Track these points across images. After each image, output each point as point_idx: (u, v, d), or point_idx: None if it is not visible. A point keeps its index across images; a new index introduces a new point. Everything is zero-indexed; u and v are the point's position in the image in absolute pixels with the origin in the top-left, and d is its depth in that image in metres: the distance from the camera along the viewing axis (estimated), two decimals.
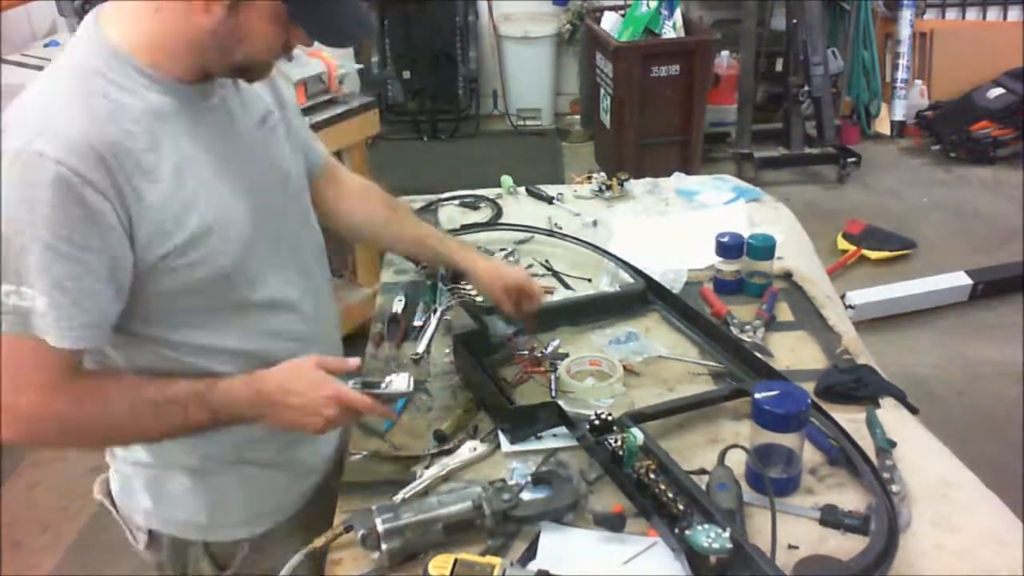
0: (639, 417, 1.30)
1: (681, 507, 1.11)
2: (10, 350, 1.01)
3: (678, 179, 2.25)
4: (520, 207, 2.13)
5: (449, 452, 1.30)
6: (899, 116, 5.20)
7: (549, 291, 1.74)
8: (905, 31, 5.12)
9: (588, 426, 1.25)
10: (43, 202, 0.98)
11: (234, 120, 1.18)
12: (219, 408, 1.11)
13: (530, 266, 1.84)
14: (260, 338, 1.20)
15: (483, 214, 2.10)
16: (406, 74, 5.31)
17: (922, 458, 1.27)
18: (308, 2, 1.08)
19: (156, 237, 1.06)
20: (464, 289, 1.68)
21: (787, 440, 1.20)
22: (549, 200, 2.14)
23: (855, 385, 1.40)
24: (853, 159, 4.72)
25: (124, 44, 1.07)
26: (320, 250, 1.35)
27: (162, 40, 1.07)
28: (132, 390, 1.10)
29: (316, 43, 1.12)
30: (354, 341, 1.64)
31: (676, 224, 2.03)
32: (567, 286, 1.75)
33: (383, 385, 1.18)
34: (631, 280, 1.73)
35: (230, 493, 1.29)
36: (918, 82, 5.27)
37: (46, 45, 3.46)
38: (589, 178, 2.23)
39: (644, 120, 4.41)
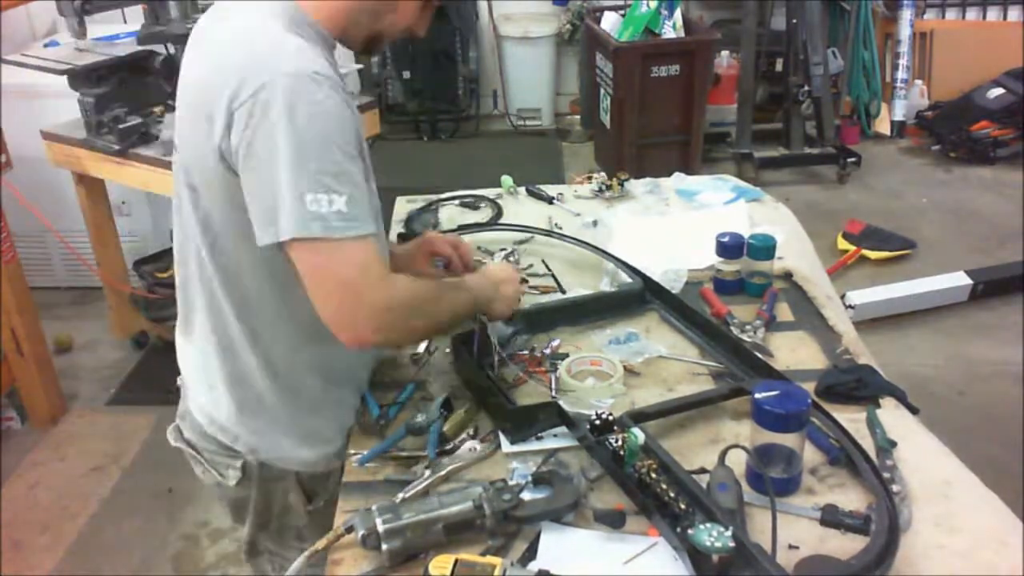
0: (639, 417, 1.30)
1: (683, 506, 1.11)
2: (350, 253, 1.12)
3: (678, 179, 2.25)
4: (520, 207, 2.13)
5: (449, 452, 1.30)
6: (899, 116, 5.20)
7: (546, 290, 1.74)
8: (905, 31, 5.12)
9: (588, 426, 1.24)
10: (332, 114, 1.10)
11: None
12: (471, 288, 1.38)
13: (530, 266, 1.84)
14: None
15: (483, 214, 2.10)
16: (406, 74, 5.31)
17: (922, 458, 1.27)
18: None
19: None
20: None
21: (788, 440, 1.19)
22: (549, 200, 2.14)
23: (855, 385, 1.40)
24: (853, 159, 4.72)
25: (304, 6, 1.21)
26: None
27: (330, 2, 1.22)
28: (416, 278, 1.30)
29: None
30: None
31: (676, 224, 2.03)
32: (563, 290, 1.74)
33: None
34: (630, 280, 1.73)
35: (324, 417, 1.39)
36: (918, 82, 5.27)
37: (46, 45, 3.45)
38: (589, 178, 2.22)
39: (644, 120, 4.41)
